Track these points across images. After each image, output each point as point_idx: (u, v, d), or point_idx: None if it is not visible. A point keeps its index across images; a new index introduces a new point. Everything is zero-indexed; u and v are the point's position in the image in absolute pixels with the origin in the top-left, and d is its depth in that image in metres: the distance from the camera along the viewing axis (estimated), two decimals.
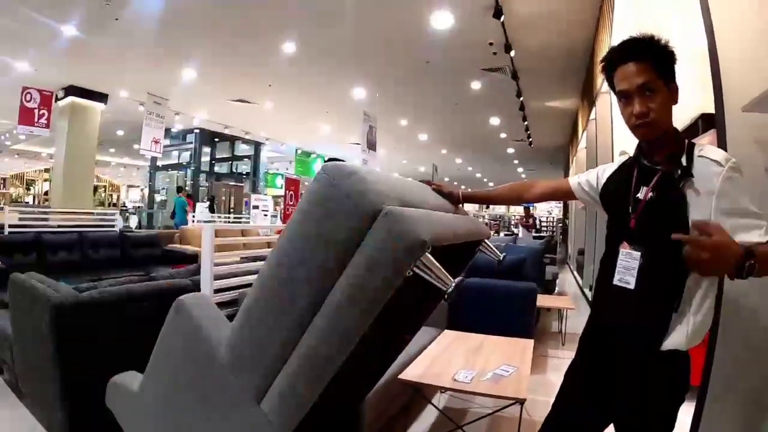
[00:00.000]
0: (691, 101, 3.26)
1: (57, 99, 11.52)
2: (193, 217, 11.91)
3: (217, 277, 2.85)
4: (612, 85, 1.55)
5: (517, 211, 33.66)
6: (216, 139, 18.61)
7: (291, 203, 11.91)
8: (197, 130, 17.27)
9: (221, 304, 2.79)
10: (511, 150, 19.02)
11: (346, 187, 1.15)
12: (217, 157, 19.35)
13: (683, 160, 1.45)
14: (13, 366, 3.02)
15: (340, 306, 1.15)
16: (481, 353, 3.09)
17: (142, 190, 29.43)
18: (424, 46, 8.23)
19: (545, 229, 26.88)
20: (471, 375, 2.64)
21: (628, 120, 1.50)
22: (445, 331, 3.69)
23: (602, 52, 6.15)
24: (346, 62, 9.46)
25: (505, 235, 16.11)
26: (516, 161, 22.55)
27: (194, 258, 6.59)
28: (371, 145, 11.01)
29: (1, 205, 11.59)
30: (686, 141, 1.50)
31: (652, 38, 1.46)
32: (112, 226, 7.72)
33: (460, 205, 1.91)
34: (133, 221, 18.44)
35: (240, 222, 13.34)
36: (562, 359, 4.82)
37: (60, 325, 2.34)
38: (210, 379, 1.43)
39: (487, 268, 4.46)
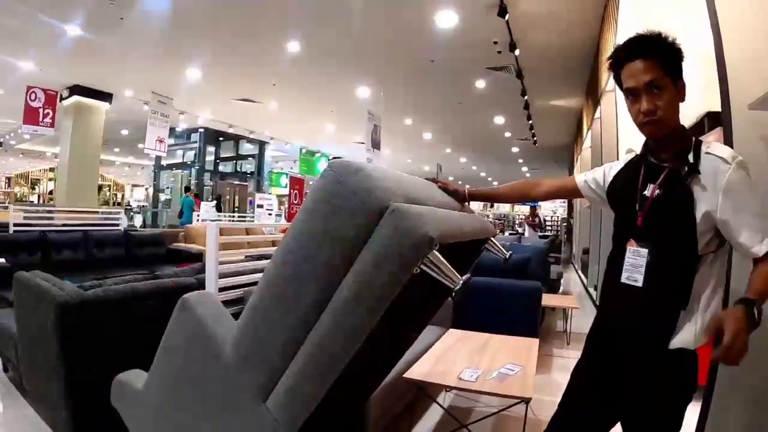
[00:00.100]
0: (694, 100, 3.24)
1: (62, 98, 11.54)
2: (198, 216, 11.91)
3: (222, 276, 2.85)
4: (619, 83, 1.54)
5: (522, 210, 33.59)
6: (220, 139, 18.61)
7: (295, 202, 11.94)
8: (201, 130, 17.27)
9: (226, 303, 2.78)
10: (515, 149, 18.97)
11: (353, 184, 1.14)
12: (221, 156, 19.34)
13: (690, 157, 1.44)
14: (18, 364, 3.02)
15: (347, 303, 1.14)
16: (486, 352, 3.08)
17: (146, 189, 29.47)
18: (428, 45, 8.21)
19: (550, 228, 26.81)
20: (476, 374, 2.63)
21: (636, 117, 1.50)
22: (450, 329, 3.68)
23: (607, 50, 6.13)
24: (350, 61, 9.44)
25: (510, 234, 16.08)
26: (520, 160, 22.51)
27: (199, 257, 6.59)
28: (375, 144, 11.01)
29: (6, 204, 11.62)
30: (693, 138, 1.50)
31: (660, 35, 1.45)
32: (117, 225, 7.73)
33: (466, 203, 1.90)
34: (138, 220, 18.49)
35: (244, 221, 13.35)
36: (567, 359, 4.81)
37: (65, 324, 2.35)
38: (215, 377, 1.42)
39: (492, 267, 4.46)
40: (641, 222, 1.51)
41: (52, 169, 25.90)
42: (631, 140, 4.93)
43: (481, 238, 1.81)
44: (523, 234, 13.07)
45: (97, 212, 8.57)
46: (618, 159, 1.86)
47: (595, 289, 7.88)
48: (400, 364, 2.38)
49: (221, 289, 2.82)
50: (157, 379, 1.68)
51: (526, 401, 2.37)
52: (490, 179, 30.96)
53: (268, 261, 1.36)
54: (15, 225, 6.36)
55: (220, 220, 11.79)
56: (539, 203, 20.74)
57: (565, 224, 22.16)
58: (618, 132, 6.38)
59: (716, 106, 2.37)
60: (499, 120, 13.84)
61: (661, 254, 1.46)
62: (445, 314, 4.06)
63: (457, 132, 16.22)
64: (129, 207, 23.69)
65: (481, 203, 30.51)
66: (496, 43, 7.85)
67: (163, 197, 19.43)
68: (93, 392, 2.22)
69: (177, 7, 7.23)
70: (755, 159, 1.96)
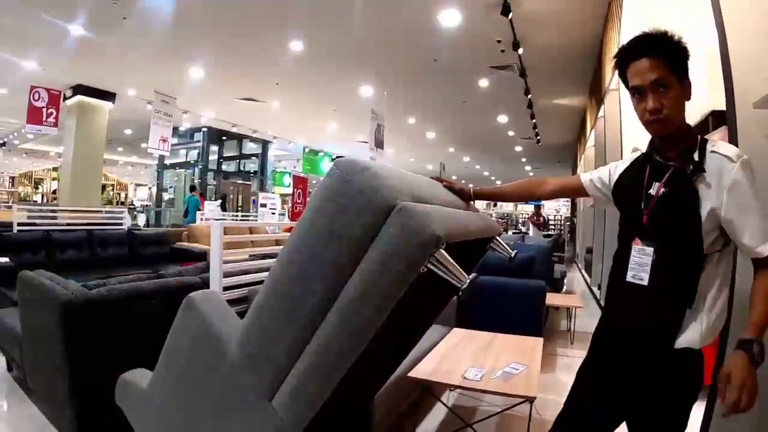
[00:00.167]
0: (699, 99, 3.24)
1: (65, 98, 11.58)
2: (202, 215, 11.93)
3: (227, 275, 2.85)
4: (625, 81, 1.54)
5: (525, 209, 33.53)
6: (224, 138, 18.65)
7: (299, 201, 11.95)
8: (205, 129, 17.31)
9: (231, 302, 2.79)
10: (518, 148, 18.95)
11: (359, 182, 1.13)
12: (224, 155, 19.38)
13: (695, 156, 1.44)
14: (22, 363, 3.03)
15: (353, 302, 1.14)
16: (490, 351, 3.08)
17: (150, 188, 29.54)
18: (431, 44, 8.21)
19: (553, 227, 26.78)
20: (480, 373, 2.63)
21: (642, 116, 1.49)
22: (455, 329, 3.68)
23: (610, 49, 6.12)
24: (352, 60, 9.45)
25: (513, 233, 16.07)
26: (524, 159, 22.48)
27: (202, 256, 6.60)
28: (379, 144, 11.01)
29: (10, 204, 11.65)
30: (699, 137, 1.50)
31: (665, 34, 1.45)
32: (121, 224, 7.74)
33: (471, 202, 1.90)
34: (141, 219, 18.53)
35: (248, 220, 13.36)
36: (571, 358, 4.81)
37: (69, 323, 2.35)
38: (220, 376, 1.42)
39: (496, 266, 4.45)
40: (647, 221, 1.50)
41: (55, 169, 25.99)
42: (635, 138, 4.93)
43: (487, 237, 1.81)
44: (527, 233, 13.05)
45: (100, 212, 8.61)
46: (622, 158, 1.86)
47: (599, 288, 7.87)
48: (404, 363, 2.38)
49: (225, 288, 2.82)
50: (161, 378, 1.68)
51: (531, 400, 2.37)
52: (493, 178, 30.94)
53: (273, 260, 1.36)
54: (19, 224, 6.37)
55: (225, 219, 11.80)
56: (542, 202, 20.74)
57: (568, 223, 22.14)
58: (622, 130, 6.37)
59: (721, 105, 2.36)
60: (503, 119, 13.84)
61: (666, 253, 1.46)
62: (450, 313, 4.06)
63: (460, 131, 16.22)
64: (132, 206, 23.75)
65: (485, 202, 30.53)
66: (499, 41, 7.84)
67: (166, 196, 19.48)
68: (97, 391, 2.21)
69: (180, 7, 7.25)
70: (760, 157, 1.95)
